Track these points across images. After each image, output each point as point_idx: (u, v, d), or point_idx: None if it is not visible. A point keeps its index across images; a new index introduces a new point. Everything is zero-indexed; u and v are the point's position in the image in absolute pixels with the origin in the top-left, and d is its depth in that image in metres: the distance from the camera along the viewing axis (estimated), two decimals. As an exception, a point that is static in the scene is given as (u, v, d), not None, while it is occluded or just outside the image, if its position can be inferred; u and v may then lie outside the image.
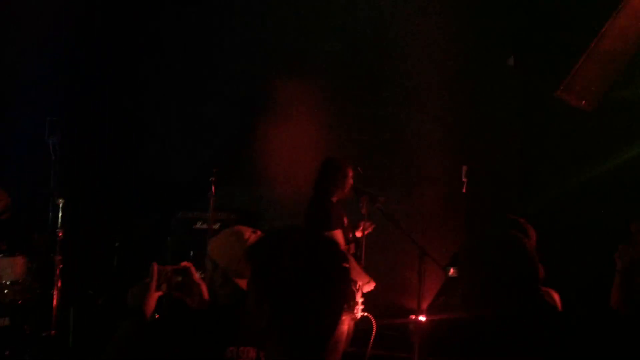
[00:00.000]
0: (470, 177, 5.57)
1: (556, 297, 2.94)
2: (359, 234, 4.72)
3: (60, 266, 4.98)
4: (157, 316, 2.12)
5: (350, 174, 4.65)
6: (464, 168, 5.62)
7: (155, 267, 2.03)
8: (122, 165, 6.34)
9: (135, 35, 6.53)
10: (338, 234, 4.40)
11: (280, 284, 1.42)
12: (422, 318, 5.07)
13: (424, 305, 5.09)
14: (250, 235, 2.20)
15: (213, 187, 4.57)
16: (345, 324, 4.42)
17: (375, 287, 4.46)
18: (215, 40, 6.27)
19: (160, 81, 6.44)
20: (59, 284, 4.98)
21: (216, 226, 5.09)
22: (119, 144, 6.41)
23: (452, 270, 4.51)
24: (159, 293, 2.05)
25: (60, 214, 5.01)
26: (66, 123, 6.27)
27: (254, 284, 1.48)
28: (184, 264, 2.16)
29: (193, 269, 2.18)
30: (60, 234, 4.92)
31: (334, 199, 4.56)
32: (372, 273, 4.54)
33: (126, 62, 6.55)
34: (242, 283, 2.10)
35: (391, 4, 5.82)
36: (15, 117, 6.83)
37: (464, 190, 5.61)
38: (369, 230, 4.70)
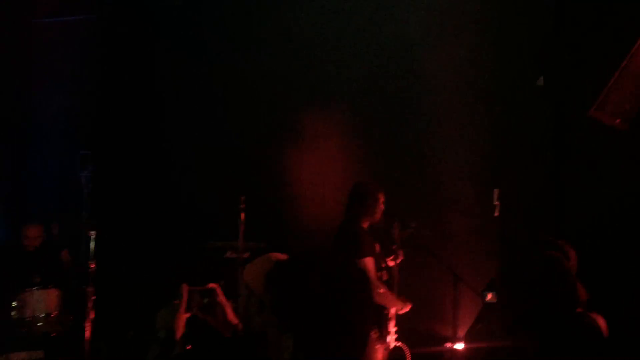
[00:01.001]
0: (502, 200, 5.46)
1: (601, 322, 2.83)
2: (391, 263, 4.64)
3: (93, 298, 5.00)
4: (188, 347, 2.11)
5: (381, 199, 4.59)
6: (496, 191, 5.51)
7: (186, 288, 2.04)
8: (152, 196, 6.39)
9: (163, 70, 6.63)
10: (369, 261, 4.32)
11: (303, 313, 1.38)
12: (458, 346, 4.95)
13: (460, 333, 4.97)
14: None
15: (242, 215, 4.56)
16: (380, 353, 4.34)
17: (410, 308, 4.38)
18: (240, 70, 6.32)
19: (187, 112, 6.51)
20: (92, 316, 5.00)
21: (246, 255, 5.07)
22: (148, 175, 6.47)
23: (489, 296, 4.41)
24: (188, 315, 2.05)
25: (92, 246, 5.05)
26: (98, 157, 6.37)
27: (274, 314, 1.44)
28: (211, 285, 2.15)
29: (219, 291, 2.17)
30: (92, 266, 4.95)
31: (365, 225, 4.50)
32: (405, 300, 4.47)
33: (154, 95, 6.65)
34: None
35: (416, 28, 5.81)
36: (48, 152, 6.97)
37: (496, 214, 5.50)
38: (400, 259, 4.62)
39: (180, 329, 2.04)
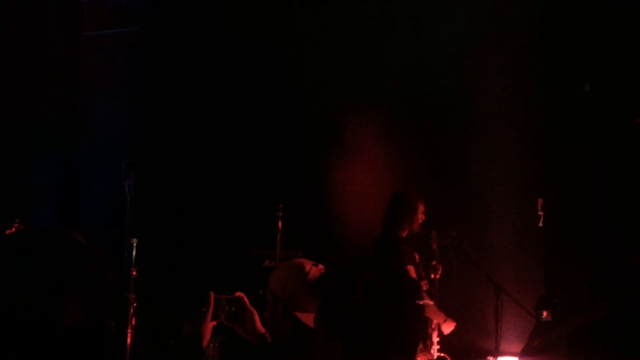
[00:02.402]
0: (547, 210, 5.33)
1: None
2: (431, 272, 4.57)
3: (135, 304, 5.06)
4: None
5: (421, 208, 4.54)
6: (540, 201, 5.39)
7: (212, 296, 2.05)
8: (193, 204, 6.46)
9: (205, 79, 6.72)
10: (409, 270, 4.27)
11: (353, 319, 1.36)
12: (501, 359, 4.83)
13: (502, 346, 4.85)
14: (311, 268, 2.15)
15: (280, 223, 4.56)
16: (421, 364, 4.27)
17: (455, 327, 4.31)
18: (281, 76, 6.35)
19: (228, 121, 6.57)
20: (133, 322, 5.06)
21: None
22: (189, 184, 6.56)
23: (545, 314, 4.30)
24: (214, 323, 2.06)
25: (134, 253, 5.12)
26: (141, 166, 6.50)
27: (323, 320, 1.42)
28: (238, 293, 2.16)
29: (246, 299, 2.17)
30: (134, 273, 5.02)
31: (404, 234, 4.45)
32: (447, 313, 4.39)
33: (196, 104, 6.74)
34: (303, 317, 2.05)
35: (461, 32, 5.73)
36: (92, 161, 7.15)
37: (540, 225, 5.37)
38: (440, 272, 4.54)
39: (207, 336, 2.05)
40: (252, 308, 2.17)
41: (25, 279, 1.27)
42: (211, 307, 2.07)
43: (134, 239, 5.13)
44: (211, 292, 2.09)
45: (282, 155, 6.23)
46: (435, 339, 4.28)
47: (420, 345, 4.22)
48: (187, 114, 6.76)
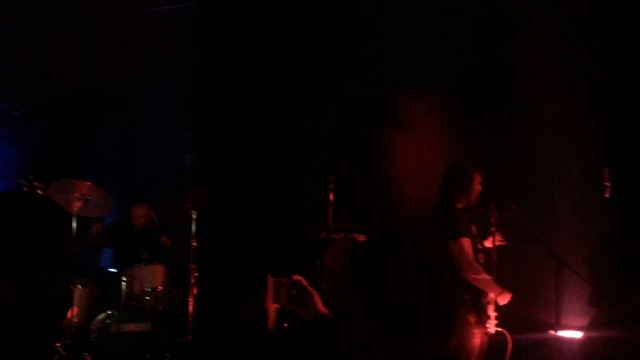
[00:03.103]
0: (614, 180, 5.10)
1: None
2: (488, 244, 4.48)
3: (196, 275, 5.22)
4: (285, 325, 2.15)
5: (478, 179, 4.44)
6: (606, 171, 5.15)
7: (270, 279, 2.07)
8: (250, 178, 6.56)
9: (260, 55, 6.75)
10: (466, 242, 4.20)
11: (387, 294, 1.35)
12: (562, 333, 4.72)
13: (563, 320, 4.74)
14: (364, 242, 2.14)
15: (331, 196, 4.55)
16: (477, 338, 4.22)
17: (510, 298, 4.22)
18: (335, 52, 6.31)
19: (282, 95, 6.60)
20: (195, 292, 5.22)
21: (340, 235, 5.07)
22: (246, 158, 6.65)
23: None
24: (277, 305, 2.08)
25: (194, 225, 5.26)
26: (200, 140, 6.63)
27: (358, 294, 1.42)
28: (296, 277, 2.16)
29: (305, 282, 2.18)
30: (194, 244, 5.16)
31: (460, 206, 4.37)
32: (504, 285, 4.30)
33: (252, 80, 6.79)
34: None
35: (520, 9, 5.53)
36: (153, 136, 7.34)
37: (606, 195, 5.15)
38: (498, 242, 4.44)
39: (271, 319, 2.07)
40: (311, 289, 2.17)
41: None
42: (271, 290, 2.09)
43: (194, 212, 5.26)
44: (269, 275, 2.11)
45: (336, 127, 6.21)
46: (492, 313, 4.21)
47: (475, 319, 4.16)
48: (243, 88, 6.82)
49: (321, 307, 2.19)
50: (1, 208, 5.78)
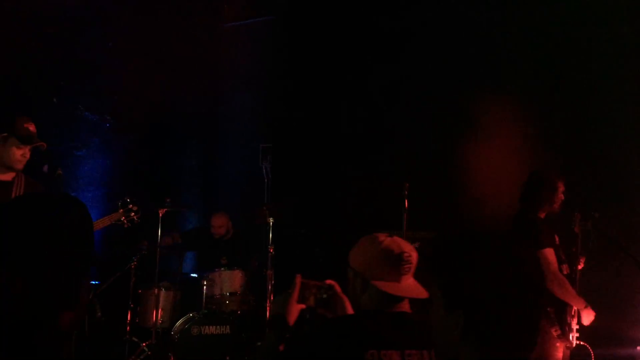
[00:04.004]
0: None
1: None
2: (579, 267, 4.33)
3: (272, 281, 5.32)
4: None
5: (561, 188, 4.31)
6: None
7: (299, 279, 2.11)
8: (325, 186, 6.64)
9: (334, 66, 6.85)
10: (550, 253, 4.08)
11: (476, 293, 1.35)
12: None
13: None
14: (385, 238, 2.15)
15: (406, 203, 4.53)
16: (560, 352, 4.09)
17: (595, 316, 4.07)
18: (407, 53, 6.31)
19: (356, 103, 6.66)
20: (272, 297, 5.33)
21: (415, 244, 5.03)
22: (322, 166, 6.74)
23: None
24: (302, 305, 2.11)
25: (270, 232, 5.38)
26: (277, 149, 6.77)
27: (444, 290, 1.42)
28: (329, 282, 2.20)
29: (337, 287, 2.21)
30: (271, 250, 5.27)
31: (542, 215, 4.26)
32: (588, 298, 4.15)
33: (326, 90, 6.89)
34: (381, 285, 2.08)
35: (595, 7, 5.35)
36: (232, 146, 7.57)
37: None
38: (582, 264, 4.29)
39: (292, 317, 2.11)
40: (343, 296, 2.20)
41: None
42: (297, 289, 2.13)
43: (270, 219, 5.38)
44: (298, 275, 2.15)
45: (412, 137, 6.20)
46: (575, 326, 4.07)
47: (558, 332, 4.04)
48: (319, 98, 6.93)
49: (350, 311, 2.22)
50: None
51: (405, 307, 2.15)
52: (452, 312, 1.37)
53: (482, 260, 1.39)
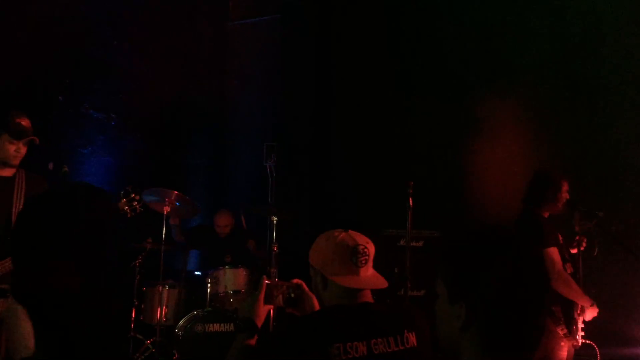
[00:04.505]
0: None
1: None
2: (573, 251, 4.32)
3: (276, 279, 5.32)
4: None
5: (565, 187, 4.29)
6: None
7: (264, 280, 2.13)
8: (328, 183, 6.64)
9: (340, 66, 6.85)
10: (554, 252, 4.07)
11: (480, 287, 1.35)
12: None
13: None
14: (340, 233, 2.19)
15: (410, 201, 4.53)
16: (565, 350, 4.08)
17: (598, 313, 4.05)
18: (413, 52, 6.30)
19: (357, 94, 6.66)
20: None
21: (419, 243, 5.03)
22: (324, 164, 6.74)
23: None
24: (269, 306, 2.13)
25: (274, 230, 5.39)
26: (280, 148, 6.77)
27: (445, 284, 1.42)
28: (296, 281, 2.22)
29: (305, 285, 2.22)
30: (275, 248, 5.28)
31: (546, 214, 4.24)
32: (593, 296, 4.13)
33: (330, 90, 6.89)
34: (339, 280, 2.10)
35: (605, 4, 5.31)
36: (237, 144, 7.58)
37: None
38: (584, 245, 4.27)
39: (261, 318, 2.15)
40: (311, 293, 2.22)
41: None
42: (263, 292, 2.15)
43: (274, 217, 5.39)
44: (264, 277, 2.18)
45: (417, 136, 6.19)
46: (581, 324, 4.05)
47: (564, 331, 4.02)
48: (324, 96, 6.94)
49: (317, 308, 2.24)
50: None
51: (368, 297, 2.17)
52: (455, 304, 1.37)
53: (487, 254, 1.38)
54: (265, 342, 2.09)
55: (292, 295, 2.22)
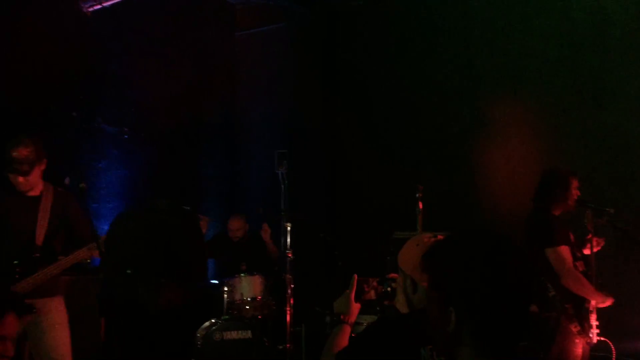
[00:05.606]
0: None
1: None
2: (586, 252, 4.34)
3: (292, 285, 5.38)
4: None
5: (575, 185, 4.32)
6: None
7: (355, 278, 2.22)
8: (339, 190, 6.69)
9: (347, 72, 6.90)
10: (565, 250, 4.10)
11: (465, 292, 1.38)
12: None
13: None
14: (430, 239, 2.20)
15: (420, 204, 4.57)
16: (579, 347, 4.11)
17: (613, 302, 4.07)
18: (422, 55, 6.34)
19: (366, 100, 6.71)
20: (291, 302, 5.39)
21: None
22: (335, 170, 6.79)
23: None
24: (358, 305, 2.23)
25: (288, 237, 5.44)
26: (292, 155, 6.83)
27: (434, 290, 1.46)
28: (391, 275, 2.27)
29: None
30: (289, 255, 5.33)
31: (556, 213, 4.26)
32: (606, 293, 4.15)
33: (339, 96, 6.95)
34: None
35: (613, 3, 5.33)
36: (249, 152, 7.65)
37: None
38: (598, 247, 4.29)
39: (354, 315, 2.27)
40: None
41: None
42: (354, 289, 2.24)
43: (288, 224, 5.45)
44: (355, 275, 2.26)
45: (427, 138, 6.23)
46: (595, 322, 4.07)
47: (578, 328, 4.05)
48: (332, 103, 7.00)
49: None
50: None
51: None
52: (445, 309, 1.41)
53: (473, 258, 1.42)
54: (360, 340, 2.17)
55: (389, 289, 2.28)
